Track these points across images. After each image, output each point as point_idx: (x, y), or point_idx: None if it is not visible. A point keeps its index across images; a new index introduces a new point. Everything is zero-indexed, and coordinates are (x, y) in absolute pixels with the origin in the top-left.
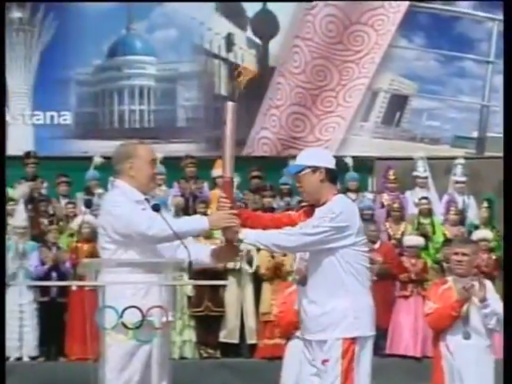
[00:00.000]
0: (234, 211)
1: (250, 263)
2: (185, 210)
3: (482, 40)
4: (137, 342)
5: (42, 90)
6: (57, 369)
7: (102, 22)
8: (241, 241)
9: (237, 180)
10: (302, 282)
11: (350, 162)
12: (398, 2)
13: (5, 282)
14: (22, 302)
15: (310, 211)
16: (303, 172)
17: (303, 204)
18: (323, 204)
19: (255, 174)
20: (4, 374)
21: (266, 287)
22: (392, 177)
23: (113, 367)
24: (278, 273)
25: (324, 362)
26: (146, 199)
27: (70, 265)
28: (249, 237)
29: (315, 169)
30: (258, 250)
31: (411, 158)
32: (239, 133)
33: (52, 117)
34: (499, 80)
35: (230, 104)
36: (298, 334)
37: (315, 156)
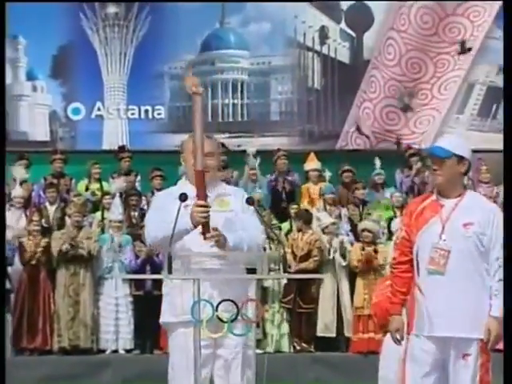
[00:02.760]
0: (203, 203)
1: (343, 256)
2: (277, 204)
3: None
4: (232, 335)
5: (136, 85)
6: (152, 361)
7: (196, 17)
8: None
9: (329, 174)
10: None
11: None
12: None
13: (5, 281)
14: (117, 295)
15: (435, 206)
16: (449, 159)
17: (402, 236)
18: (457, 197)
19: (346, 167)
20: (4, 371)
21: (359, 281)
22: (484, 168)
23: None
24: (369, 266)
25: (465, 356)
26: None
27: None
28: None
29: (461, 159)
30: (352, 242)
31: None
32: (333, 126)
33: (146, 111)
34: None
35: (197, 98)
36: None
37: (462, 145)
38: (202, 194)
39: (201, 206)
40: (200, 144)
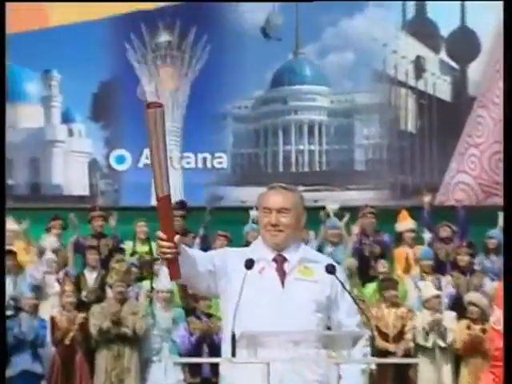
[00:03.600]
0: (165, 237)
1: (442, 336)
2: (362, 270)
3: None
4: None
5: (193, 128)
6: None
7: (265, 45)
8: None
9: (428, 236)
10: None
11: None
12: None
13: (5, 288)
14: (168, 383)
15: None
16: None
17: None
18: None
19: (445, 223)
20: (4, 370)
21: (464, 368)
22: None
23: None
24: (477, 349)
25: None
26: (279, 256)
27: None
28: None
29: None
30: (456, 319)
31: None
32: (431, 178)
33: (205, 159)
34: None
35: (150, 111)
36: None
37: None
38: (165, 226)
39: (163, 239)
40: (158, 165)
